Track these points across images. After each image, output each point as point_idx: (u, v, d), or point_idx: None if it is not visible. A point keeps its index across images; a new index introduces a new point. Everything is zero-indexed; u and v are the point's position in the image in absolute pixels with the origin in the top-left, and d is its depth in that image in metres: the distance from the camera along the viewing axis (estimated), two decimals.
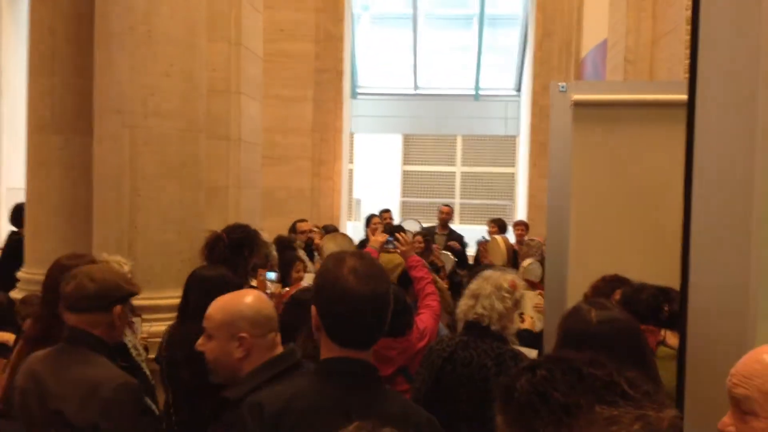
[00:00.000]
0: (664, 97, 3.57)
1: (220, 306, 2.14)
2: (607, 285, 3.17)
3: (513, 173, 16.15)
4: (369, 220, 8.22)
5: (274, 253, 4.93)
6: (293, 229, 7.28)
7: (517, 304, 3.14)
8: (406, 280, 4.21)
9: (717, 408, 1.43)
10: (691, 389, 1.48)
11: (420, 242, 6.89)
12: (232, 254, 4.03)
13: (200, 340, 2.14)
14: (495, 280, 3.06)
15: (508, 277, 3.09)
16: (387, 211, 9.16)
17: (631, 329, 1.79)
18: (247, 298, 2.14)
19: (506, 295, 3.02)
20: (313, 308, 1.71)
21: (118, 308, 2.46)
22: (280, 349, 2.10)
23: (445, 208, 8.72)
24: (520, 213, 13.56)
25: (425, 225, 9.11)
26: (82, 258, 3.08)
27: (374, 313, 1.65)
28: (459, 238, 8.49)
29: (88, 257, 3.14)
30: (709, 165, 1.46)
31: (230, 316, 2.09)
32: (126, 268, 3.63)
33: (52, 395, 2.29)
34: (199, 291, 3.24)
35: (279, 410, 1.62)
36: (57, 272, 3.06)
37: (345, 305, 1.64)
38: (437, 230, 8.54)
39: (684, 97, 3.39)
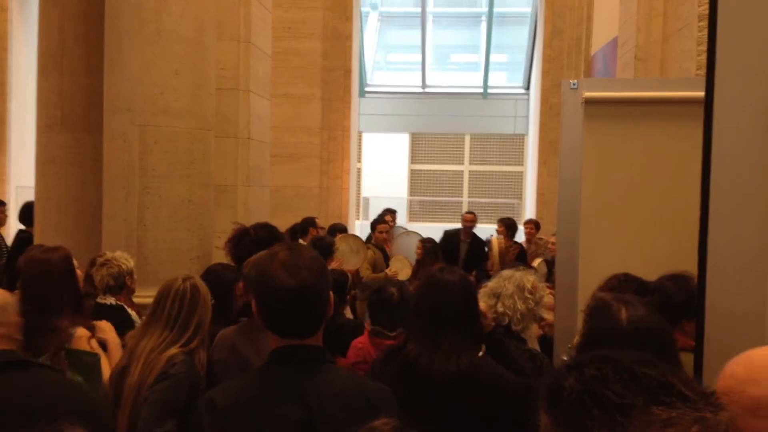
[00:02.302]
0: (676, 94, 3.53)
1: None
2: (622, 285, 3.12)
3: (521, 172, 16.13)
4: (376, 223, 8.08)
5: None
6: (313, 223, 7.40)
7: (537, 305, 3.11)
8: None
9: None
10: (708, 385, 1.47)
11: (419, 248, 6.82)
12: (255, 251, 4.02)
13: None
14: (518, 280, 3.02)
15: (530, 278, 3.06)
16: (393, 212, 9.12)
17: (662, 330, 1.74)
18: None
19: (528, 296, 2.98)
20: (253, 302, 1.77)
21: None
22: None
23: (469, 216, 8.37)
24: (529, 211, 13.52)
25: (434, 225, 9.07)
26: (56, 251, 3.10)
27: (302, 304, 1.68)
28: (481, 244, 8.35)
29: (63, 250, 3.12)
30: (728, 162, 1.44)
31: None
32: (131, 264, 3.65)
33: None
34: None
35: (231, 403, 1.67)
36: (34, 265, 3.07)
37: (273, 298, 1.68)
38: (462, 237, 8.26)
39: (696, 93, 3.36)
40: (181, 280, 2.66)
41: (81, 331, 2.86)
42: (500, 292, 2.94)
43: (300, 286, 1.66)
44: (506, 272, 3.12)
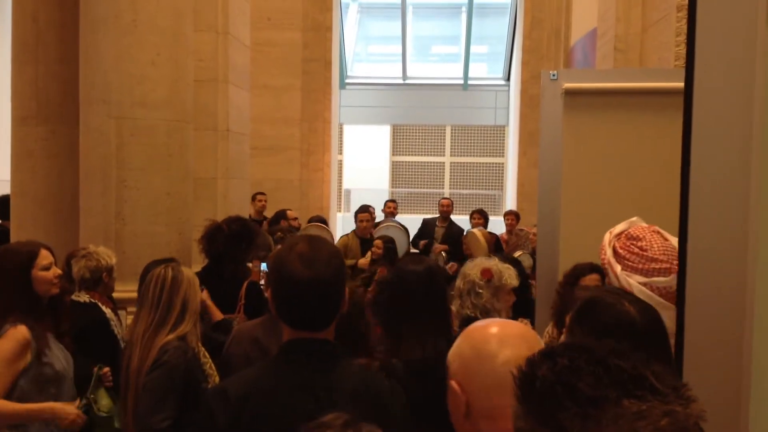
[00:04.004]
0: (655, 84, 3.54)
1: None
2: (573, 272, 3.17)
3: (502, 163, 16.17)
4: (357, 213, 8.17)
5: (271, 242, 4.92)
6: (284, 215, 7.46)
7: (498, 290, 3.11)
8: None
9: (715, 406, 1.42)
10: (689, 379, 1.47)
11: (379, 247, 6.51)
12: (230, 246, 3.99)
13: None
14: (468, 276, 3.03)
15: (482, 266, 3.06)
16: (392, 201, 9.29)
17: (661, 321, 1.72)
18: None
19: (480, 291, 2.99)
20: (268, 292, 1.78)
21: None
22: None
23: (445, 201, 8.72)
24: (509, 202, 13.57)
25: (416, 216, 9.13)
26: (22, 245, 2.99)
27: (316, 297, 1.68)
28: (459, 231, 8.43)
29: (30, 246, 2.97)
30: (708, 151, 1.44)
31: None
32: (113, 261, 3.59)
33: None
34: None
35: (244, 394, 1.66)
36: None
37: (288, 288, 1.69)
38: (438, 223, 8.53)
39: (675, 84, 3.37)
40: (163, 266, 2.82)
41: (14, 332, 2.67)
42: (461, 293, 2.96)
43: (314, 279, 1.66)
44: (467, 267, 3.12)
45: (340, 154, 15.04)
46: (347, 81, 15.29)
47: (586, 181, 3.69)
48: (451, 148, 16.90)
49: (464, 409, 1.25)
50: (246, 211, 5.63)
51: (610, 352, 0.89)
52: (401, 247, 7.60)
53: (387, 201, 9.27)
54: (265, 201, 8.46)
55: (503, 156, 16.12)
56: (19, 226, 5.06)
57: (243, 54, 6.08)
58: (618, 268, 2.02)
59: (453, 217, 8.89)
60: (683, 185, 1.48)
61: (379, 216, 8.75)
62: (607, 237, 2.18)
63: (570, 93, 3.65)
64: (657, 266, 1.97)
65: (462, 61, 15.36)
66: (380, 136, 16.92)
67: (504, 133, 15.89)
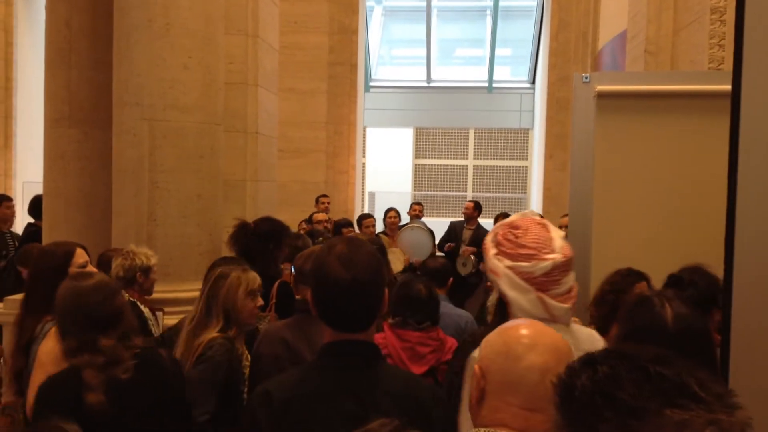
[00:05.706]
0: (690, 87, 3.51)
1: None
2: (624, 280, 3.10)
3: (526, 166, 16.09)
4: (386, 214, 8.29)
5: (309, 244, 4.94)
6: (309, 220, 7.50)
7: None
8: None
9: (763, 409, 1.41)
10: (735, 381, 1.46)
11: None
12: (257, 245, 4.03)
13: None
14: None
15: None
16: (418, 203, 9.34)
17: (705, 328, 1.69)
18: None
19: None
20: (309, 293, 1.77)
21: None
22: None
23: (467, 204, 8.76)
24: (534, 206, 13.50)
25: (438, 219, 9.12)
26: (65, 245, 3.06)
27: (355, 299, 1.68)
28: (486, 234, 8.41)
29: (65, 247, 3.03)
30: (757, 153, 1.42)
31: None
32: (150, 262, 3.63)
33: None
34: None
35: (287, 397, 1.67)
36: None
37: (327, 290, 1.70)
38: (465, 225, 8.52)
39: (710, 87, 3.34)
40: (222, 268, 2.89)
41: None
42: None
43: (354, 281, 1.67)
44: None
45: (364, 157, 15.07)
46: (371, 84, 15.31)
47: (619, 183, 3.67)
48: (474, 151, 16.85)
49: (478, 394, 1.31)
50: (274, 213, 5.65)
51: (653, 359, 0.87)
52: (426, 249, 7.62)
53: (413, 204, 9.29)
54: (328, 203, 8.71)
55: (527, 159, 16.04)
56: (52, 227, 5.13)
57: (272, 57, 6.12)
58: (492, 252, 2.08)
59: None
60: (730, 186, 1.46)
61: (405, 219, 8.74)
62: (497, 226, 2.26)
63: (602, 96, 3.64)
64: (523, 252, 2.02)
65: (487, 64, 15.31)
66: (403, 139, 16.91)
67: (528, 136, 15.82)
